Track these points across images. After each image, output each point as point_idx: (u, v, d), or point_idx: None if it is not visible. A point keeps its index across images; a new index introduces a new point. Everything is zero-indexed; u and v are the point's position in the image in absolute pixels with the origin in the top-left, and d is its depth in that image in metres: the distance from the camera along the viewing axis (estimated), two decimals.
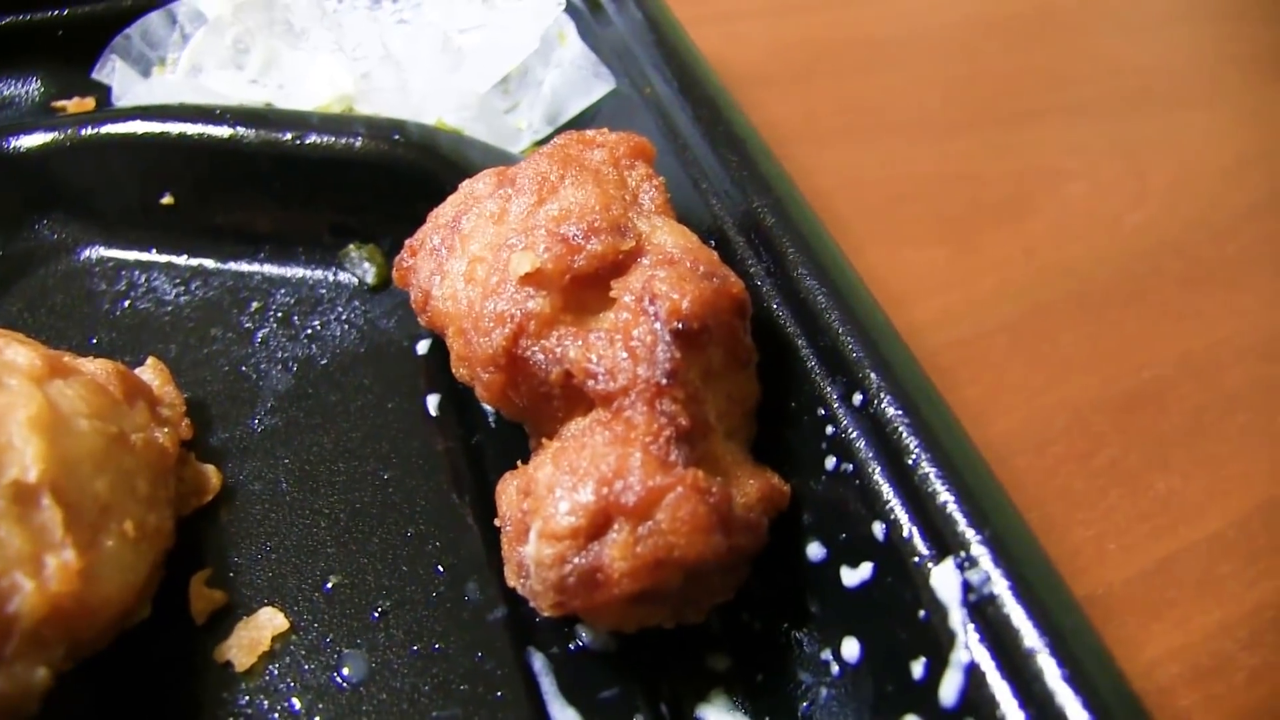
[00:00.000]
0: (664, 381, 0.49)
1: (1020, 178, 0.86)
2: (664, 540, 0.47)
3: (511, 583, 0.52)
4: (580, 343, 0.51)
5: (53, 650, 0.48)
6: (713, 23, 0.77)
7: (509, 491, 0.53)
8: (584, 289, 0.53)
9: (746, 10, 0.99)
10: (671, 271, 0.52)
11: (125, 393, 0.58)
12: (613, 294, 0.52)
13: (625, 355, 0.50)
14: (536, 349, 0.52)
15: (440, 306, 0.56)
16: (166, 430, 0.58)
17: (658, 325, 0.50)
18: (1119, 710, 0.39)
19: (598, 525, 0.48)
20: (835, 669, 0.50)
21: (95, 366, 0.58)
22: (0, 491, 0.49)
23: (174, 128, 0.70)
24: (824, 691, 0.50)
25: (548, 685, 0.53)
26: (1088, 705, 0.39)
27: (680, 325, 0.50)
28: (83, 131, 0.70)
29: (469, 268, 0.55)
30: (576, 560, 0.48)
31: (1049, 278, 0.77)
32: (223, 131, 0.69)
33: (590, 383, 0.50)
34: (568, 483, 0.49)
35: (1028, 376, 0.69)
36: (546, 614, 0.50)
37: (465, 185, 0.60)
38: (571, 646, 0.54)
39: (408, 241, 0.61)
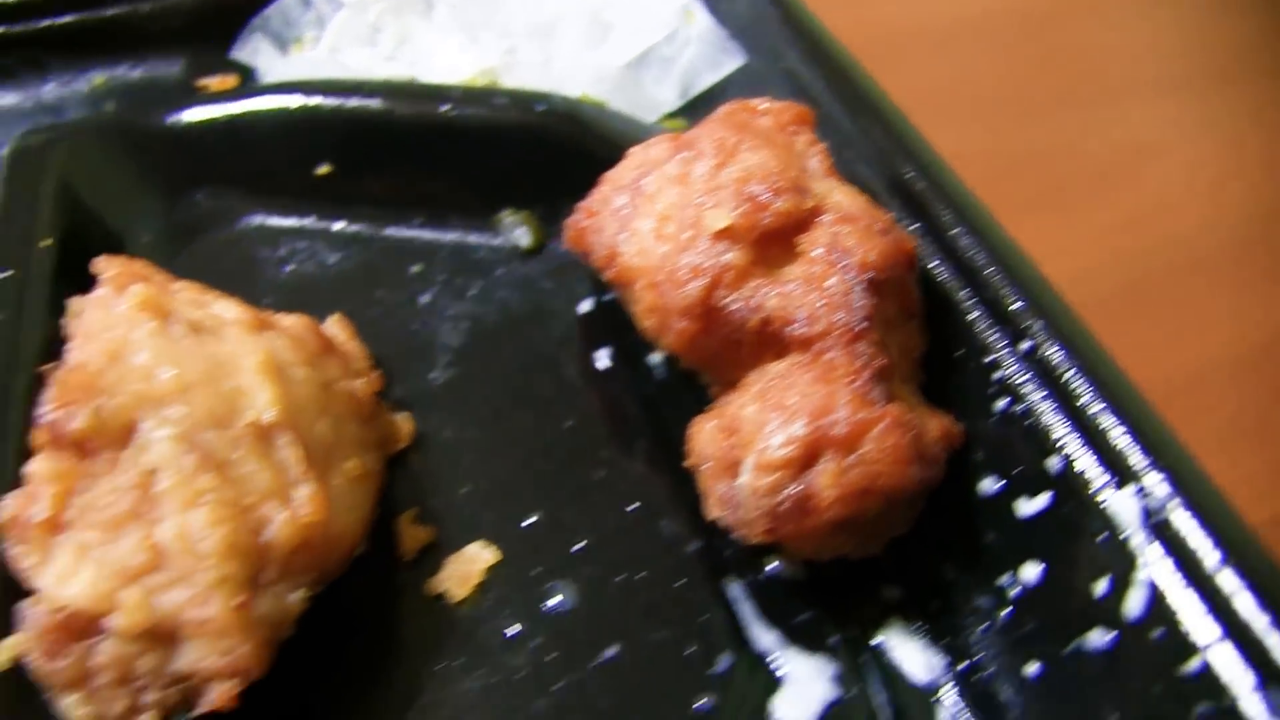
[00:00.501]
0: (860, 326, 0.56)
1: (1116, 152, 0.93)
2: (869, 469, 0.54)
3: (713, 515, 0.58)
4: (777, 292, 0.57)
5: (303, 577, 0.54)
6: None
7: (705, 432, 0.59)
8: (769, 245, 0.59)
9: None
10: (854, 227, 0.59)
11: (320, 346, 0.64)
12: (799, 249, 0.59)
13: (823, 303, 0.56)
14: (733, 299, 0.58)
15: (629, 262, 0.62)
16: (361, 381, 0.64)
17: (850, 276, 0.57)
18: None
19: (809, 456, 0.54)
20: (1014, 591, 0.56)
21: (290, 321, 0.64)
22: (244, 431, 0.54)
23: (328, 101, 0.75)
24: (1003, 612, 0.56)
25: (747, 610, 0.59)
26: (1270, 610, 0.45)
27: (870, 276, 0.57)
28: (240, 105, 0.76)
29: (657, 225, 0.61)
30: (790, 489, 0.54)
31: (1156, 247, 0.84)
32: (376, 104, 0.75)
33: (790, 328, 0.57)
34: (779, 418, 0.55)
35: (1144, 338, 0.75)
36: (755, 541, 0.56)
37: (638, 151, 0.66)
38: (762, 576, 0.61)
39: (581, 205, 0.67)
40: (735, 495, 0.56)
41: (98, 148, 0.76)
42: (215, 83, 0.85)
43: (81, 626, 0.49)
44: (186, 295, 0.61)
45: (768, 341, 0.58)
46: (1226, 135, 0.96)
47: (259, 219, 0.77)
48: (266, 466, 0.54)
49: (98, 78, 0.86)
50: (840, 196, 0.61)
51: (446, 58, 0.81)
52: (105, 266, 0.62)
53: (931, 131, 0.72)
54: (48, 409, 0.53)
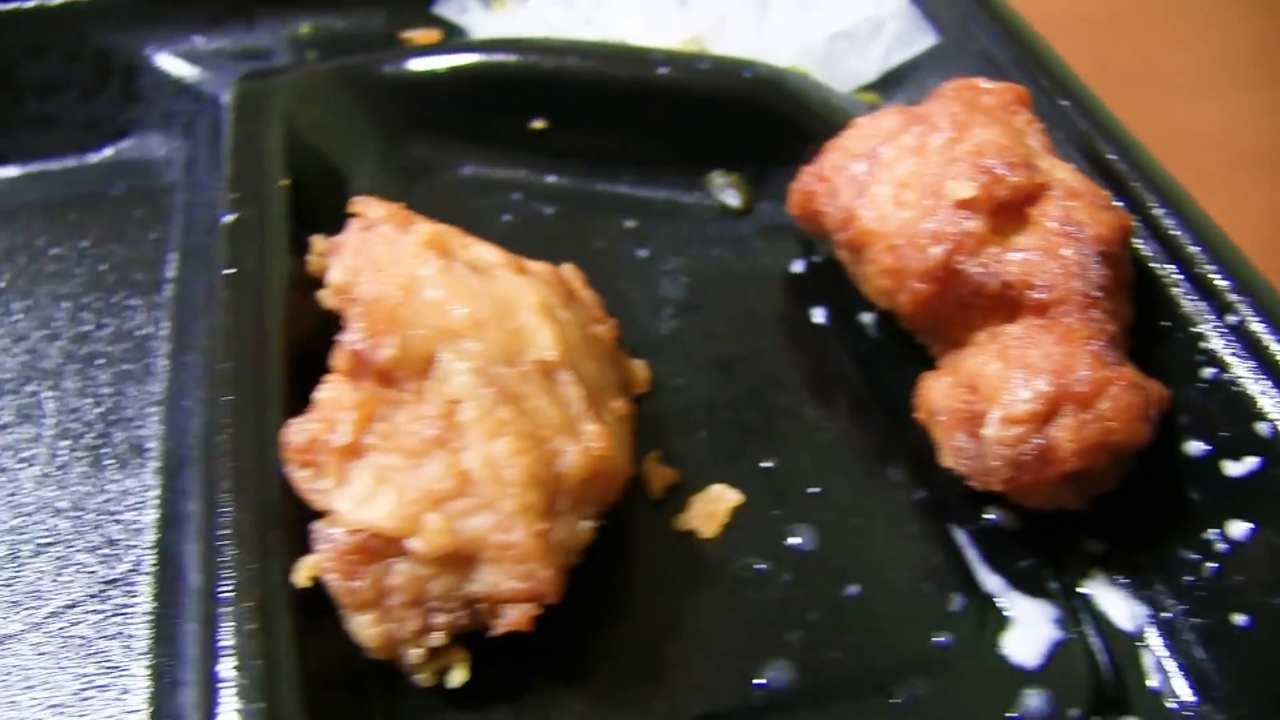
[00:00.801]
0: (1096, 295, 0.63)
1: (1276, 135, 1.00)
2: (1105, 425, 0.60)
3: (948, 463, 0.65)
4: (1018, 258, 0.64)
5: (590, 508, 0.59)
6: None
7: (939, 387, 0.66)
8: (1002, 215, 0.66)
9: None
10: (1082, 203, 0.65)
11: (567, 292, 0.69)
12: (1031, 220, 0.65)
13: (1060, 271, 0.63)
14: (973, 264, 0.65)
15: (868, 225, 0.68)
16: (604, 327, 0.70)
17: (1085, 248, 0.64)
18: None
19: (1050, 411, 0.61)
20: (1221, 546, 0.62)
21: (538, 267, 0.69)
22: (531, 368, 0.59)
23: (546, 59, 0.82)
24: (1209, 565, 0.63)
25: (972, 555, 0.66)
26: None
27: (1102, 249, 0.64)
28: (460, 58, 0.82)
29: (896, 192, 0.68)
30: (1034, 440, 0.61)
31: None
32: (593, 64, 0.82)
33: (1029, 293, 0.63)
34: (1023, 375, 0.62)
35: None
36: (992, 489, 0.63)
37: (868, 121, 0.73)
38: (983, 524, 0.67)
39: (809, 169, 0.74)
40: (975, 446, 0.63)
41: (320, 93, 0.82)
42: (419, 36, 0.91)
43: (378, 548, 0.53)
44: (455, 237, 0.66)
45: (1001, 305, 0.65)
46: None
47: (472, 169, 0.84)
48: (553, 402, 0.59)
49: (303, 26, 0.91)
50: (1064, 173, 0.68)
51: (647, 22, 0.87)
52: (365, 206, 0.67)
53: None
54: (357, 338, 0.58)
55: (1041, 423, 0.60)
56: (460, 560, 0.54)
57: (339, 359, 0.59)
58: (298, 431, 0.58)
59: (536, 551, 0.53)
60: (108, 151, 0.90)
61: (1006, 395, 0.61)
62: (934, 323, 0.68)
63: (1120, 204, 0.69)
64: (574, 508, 0.57)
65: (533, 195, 0.82)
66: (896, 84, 0.88)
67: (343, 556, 0.54)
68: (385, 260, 0.62)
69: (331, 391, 0.59)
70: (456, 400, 0.56)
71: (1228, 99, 1.04)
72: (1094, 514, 0.66)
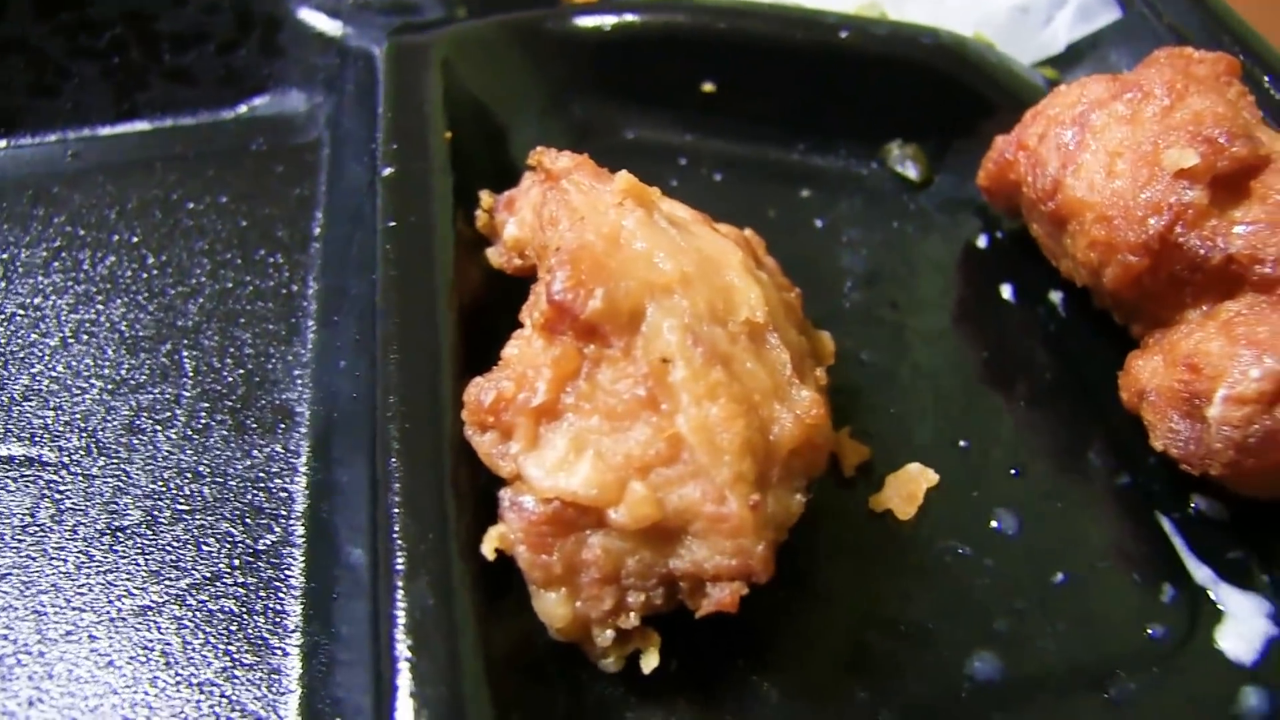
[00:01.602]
0: None
1: None
2: None
3: (1159, 446, 0.65)
4: (1244, 231, 0.64)
5: (798, 480, 0.57)
6: None
7: (1150, 366, 0.66)
8: (1221, 187, 0.66)
9: None
10: None
11: (755, 256, 0.69)
12: (1253, 193, 0.66)
13: None
14: (1192, 237, 0.65)
15: (1077, 195, 0.69)
16: (793, 294, 0.70)
17: None
18: None
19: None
20: None
21: (726, 229, 0.68)
22: (740, 328, 0.58)
23: (716, 21, 0.83)
24: None
25: (1179, 544, 0.66)
26: None
27: None
28: (629, 17, 0.83)
29: (1108, 161, 0.68)
30: (1262, 422, 0.61)
31: None
32: (769, 27, 0.82)
33: (1257, 268, 0.63)
34: (1251, 353, 0.62)
35: None
36: (1211, 473, 0.63)
37: (1071, 89, 0.73)
38: (1189, 512, 0.67)
39: (1008, 138, 0.74)
40: (1192, 428, 0.63)
41: (480, 48, 0.83)
42: None
43: (573, 519, 0.52)
44: (650, 189, 0.64)
45: (1220, 280, 0.65)
46: None
47: (636, 132, 0.85)
48: (763, 365, 0.57)
49: None
50: None
51: None
52: (548, 157, 0.67)
53: None
54: (560, 288, 0.54)
55: (1270, 403, 0.60)
56: (663, 533, 0.52)
57: (533, 312, 0.58)
58: (485, 390, 0.56)
59: (750, 525, 0.51)
60: (243, 107, 0.91)
61: (1233, 374, 0.61)
62: (1139, 299, 0.68)
63: None
64: (783, 479, 0.55)
65: (700, 161, 0.83)
66: (1076, 59, 0.88)
67: (534, 527, 0.52)
68: (584, 209, 0.61)
69: (524, 347, 0.57)
70: (667, 359, 0.53)
71: None
72: None
